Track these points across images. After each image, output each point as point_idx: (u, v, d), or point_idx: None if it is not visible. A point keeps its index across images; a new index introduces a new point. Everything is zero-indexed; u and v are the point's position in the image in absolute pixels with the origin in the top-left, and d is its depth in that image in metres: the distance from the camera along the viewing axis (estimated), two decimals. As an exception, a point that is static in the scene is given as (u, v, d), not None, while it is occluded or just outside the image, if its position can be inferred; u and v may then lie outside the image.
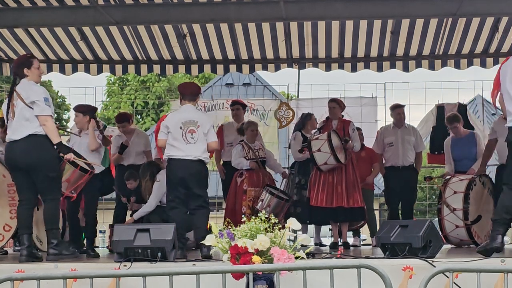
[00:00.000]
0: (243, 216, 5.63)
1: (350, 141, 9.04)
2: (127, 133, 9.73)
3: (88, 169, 7.30)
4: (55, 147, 6.83)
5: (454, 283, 4.93)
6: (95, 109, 8.52)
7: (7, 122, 6.95)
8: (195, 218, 7.37)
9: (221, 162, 10.36)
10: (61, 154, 6.94)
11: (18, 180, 6.95)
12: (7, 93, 13.75)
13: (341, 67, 10.95)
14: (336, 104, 9.42)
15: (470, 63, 10.78)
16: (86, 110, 8.13)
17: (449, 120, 9.65)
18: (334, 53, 10.69)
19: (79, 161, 7.29)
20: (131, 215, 9.44)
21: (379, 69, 10.94)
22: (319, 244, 10.15)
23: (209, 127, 7.43)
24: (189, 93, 7.54)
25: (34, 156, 6.71)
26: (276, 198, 9.11)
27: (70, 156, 7.03)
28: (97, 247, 10.43)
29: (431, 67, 10.84)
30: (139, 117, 33.19)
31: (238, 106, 10.55)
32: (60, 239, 6.87)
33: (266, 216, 5.32)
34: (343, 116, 9.52)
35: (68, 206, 8.09)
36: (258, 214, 5.36)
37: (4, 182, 7.93)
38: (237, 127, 10.06)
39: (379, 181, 15.24)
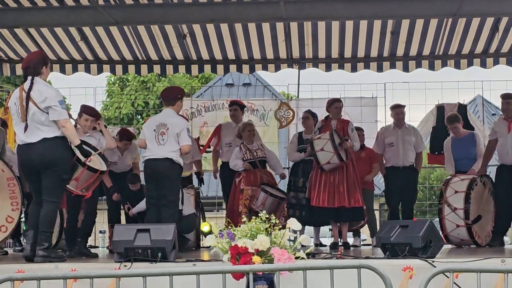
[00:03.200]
0: (243, 216, 5.62)
1: (349, 140, 9.02)
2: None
3: (97, 168, 7.14)
4: (72, 149, 6.78)
5: (454, 283, 4.93)
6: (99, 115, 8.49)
7: (19, 121, 6.66)
8: (162, 218, 7.39)
9: (220, 163, 10.35)
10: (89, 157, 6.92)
11: (34, 185, 6.78)
12: (7, 93, 13.66)
13: (341, 67, 10.96)
14: (342, 104, 9.42)
15: (470, 63, 10.79)
16: (95, 114, 8.00)
17: (449, 120, 9.65)
18: (334, 53, 10.70)
19: (89, 161, 7.08)
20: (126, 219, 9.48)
21: (379, 69, 10.95)
22: (318, 244, 10.15)
23: (180, 130, 7.61)
24: (166, 97, 7.92)
25: (52, 155, 6.57)
26: (270, 196, 9.08)
27: (91, 159, 6.98)
28: (97, 247, 10.46)
29: (431, 67, 10.85)
30: (139, 117, 33.19)
31: (236, 107, 10.48)
32: (51, 243, 6.80)
33: (267, 216, 5.31)
34: (341, 115, 9.51)
35: (85, 204, 7.91)
36: (259, 214, 5.35)
37: (3, 176, 7.96)
38: (236, 134, 9.97)
39: (379, 181, 15.22)
